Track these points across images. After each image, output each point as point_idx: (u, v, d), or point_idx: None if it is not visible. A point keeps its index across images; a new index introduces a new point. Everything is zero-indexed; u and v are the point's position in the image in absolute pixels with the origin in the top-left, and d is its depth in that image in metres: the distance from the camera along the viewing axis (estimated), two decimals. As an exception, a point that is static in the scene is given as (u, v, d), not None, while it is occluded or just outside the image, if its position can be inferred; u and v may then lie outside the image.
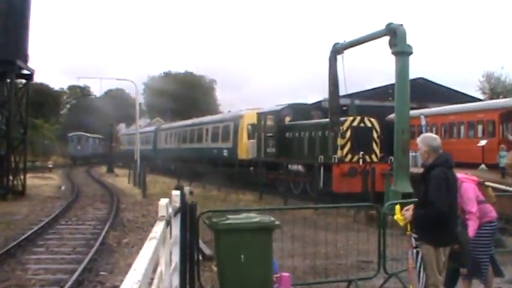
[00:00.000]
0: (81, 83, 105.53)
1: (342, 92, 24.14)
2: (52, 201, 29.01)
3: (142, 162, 43.21)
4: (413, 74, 22.66)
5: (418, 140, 7.58)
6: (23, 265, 13.36)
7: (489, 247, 8.70)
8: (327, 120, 25.58)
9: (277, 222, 8.28)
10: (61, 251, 15.17)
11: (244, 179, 34.08)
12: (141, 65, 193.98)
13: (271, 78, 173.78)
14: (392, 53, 19.86)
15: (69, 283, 11.02)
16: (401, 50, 19.68)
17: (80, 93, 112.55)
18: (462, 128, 35.78)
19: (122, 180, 47.92)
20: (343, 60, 23.31)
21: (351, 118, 26.37)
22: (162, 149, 59.66)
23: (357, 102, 30.00)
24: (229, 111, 51.36)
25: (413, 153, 24.93)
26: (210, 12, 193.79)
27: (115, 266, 13.24)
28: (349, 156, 25.60)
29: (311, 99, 55.20)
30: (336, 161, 25.07)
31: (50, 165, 61.95)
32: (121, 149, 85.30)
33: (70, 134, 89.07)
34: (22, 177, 32.35)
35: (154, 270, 5.36)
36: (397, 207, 7.69)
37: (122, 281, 3.21)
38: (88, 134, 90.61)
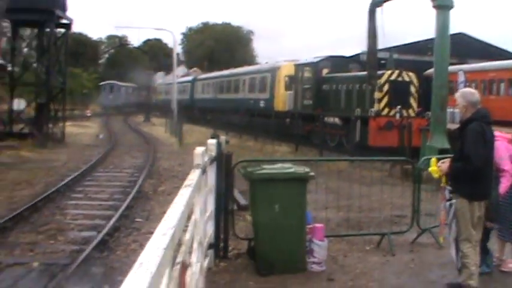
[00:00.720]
0: (119, 33, 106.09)
1: (380, 46, 23.81)
2: (90, 149, 29.46)
3: (179, 111, 43.42)
4: (453, 29, 22.23)
5: (457, 94, 7.52)
6: (61, 210, 13.70)
7: None
8: (365, 73, 25.31)
9: (311, 173, 8.31)
10: (98, 198, 15.48)
11: (280, 130, 34.04)
12: (180, 15, 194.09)
13: (308, 31, 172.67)
14: (433, 6, 19.46)
15: (106, 229, 11.30)
16: (442, 4, 19.27)
17: (118, 42, 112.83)
18: (502, 85, 35.11)
19: (158, 129, 48.33)
20: (383, 13, 23.00)
21: (389, 72, 26.05)
22: (199, 99, 59.72)
23: (395, 56, 29.55)
24: (266, 63, 51.09)
25: (451, 109, 24.61)
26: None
27: (151, 213, 13.47)
28: (386, 110, 25.38)
29: (349, 52, 54.66)
30: (373, 114, 24.90)
31: (88, 114, 62.69)
32: (158, 99, 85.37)
33: (102, 83, 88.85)
34: (61, 125, 32.85)
35: (189, 218, 5.46)
36: (433, 159, 7.68)
37: (157, 227, 3.30)
38: (120, 83, 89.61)
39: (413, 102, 26.09)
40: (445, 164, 7.34)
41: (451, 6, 19.33)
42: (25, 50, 41.17)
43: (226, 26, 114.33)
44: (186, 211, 4.22)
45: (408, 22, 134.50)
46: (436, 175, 7.49)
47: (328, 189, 12.24)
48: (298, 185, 8.20)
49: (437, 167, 7.42)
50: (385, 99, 25.42)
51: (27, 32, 48.17)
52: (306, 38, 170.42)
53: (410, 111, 25.73)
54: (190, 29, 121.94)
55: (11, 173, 19.64)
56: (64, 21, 32.82)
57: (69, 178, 17.87)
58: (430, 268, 8.83)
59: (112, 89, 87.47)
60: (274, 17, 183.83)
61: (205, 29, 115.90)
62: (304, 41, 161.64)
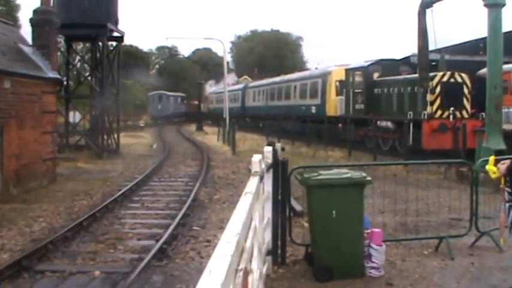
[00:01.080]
0: (169, 44, 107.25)
1: (431, 47, 23.64)
2: (144, 159, 29.84)
3: (231, 120, 43.66)
4: (506, 27, 21.82)
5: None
6: (120, 220, 13.95)
7: None
8: (416, 75, 25.12)
9: (368, 178, 8.30)
10: (155, 207, 15.69)
11: (332, 135, 34.02)
12: (228, 24, 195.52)
13: (357, 34, 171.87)
14: (484, 5, 19.20)
15: (164, 237, 11.44)
16: (493, 2, 18.98)
17: (168, 53, 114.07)
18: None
19: (211, 138, 48.62)
20: (433, 14, 22.82)
21: (441, 73, 25.76)
22: (250, 107, 59.99)
23: (446, 57, 29.09)
24: (316, 68, 51.03)
25: (506, 109, 24.19)
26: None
27: (207, 221, 13.58)
28: (439, 112, 25.11)
29: (399, 55, 54.08)
30: (426, 117, 24.67)
31: (142, 125, 63.43)
32: (209, 107, 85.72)
33: (150, 93, 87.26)
34: (116, 136, 33.37)
35: (249, 225, 5.52)
36: (492, 157, 7.58)
37: (214, 235, 3.38)
38: (168, 93, 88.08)
39: (467, 104, 25.74)
40: (504, 165, 7.23)
41: (503, 4, 19.03)
42: (78, 63, 41.92)
43: (275, 33, 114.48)
44: (248, 218, 4.29)
45: (459, 22, 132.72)
46: (493, 175, 7.39)
47: (384, 194, 12.18)
48: (355, 190, 8.20)
49: (496, 168, 7.32)
50: (438, 101, 25.15)
51: (80, 45, 49.18)
52: (355, 42, 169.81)
53: (464, 112, 25.40)
54: (239, 37, 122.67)
55: (69, 184, 20.08)
56: (116, 34, 33.40)
57: (126, 188, 18.15)
58: (490, 272, 8.73)
59: (160, 99, 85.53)
60: (323, 22, 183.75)
61: (254, 37, 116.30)
62: (353, 45, 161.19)
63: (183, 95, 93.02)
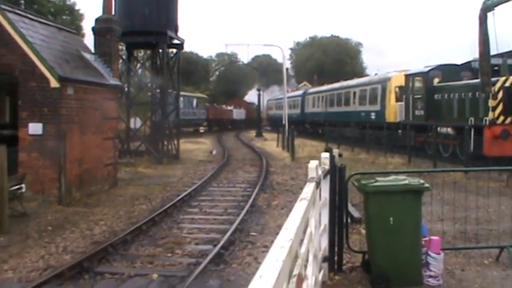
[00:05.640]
0: (228, 51, 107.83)
1: (493, 51, 23.19)
2: (204, 164, 30.06)
3: (291, 126, 43.65)
4: None
5: None
6: (178, 224, 14.11)
7: None
8: (478, 81, 24.67)
9: (426, 185, 8.18)
10: (213, 212, 15.81)
11: (392, 141, 33.73)
12: (287, 30, 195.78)
13: (417, 41, 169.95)
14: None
15: (222, 242, 11.52)
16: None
17: (228, 60, 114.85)
18: None
19: (270, 144, 48.69)
20: (494, 18, 22.41)
21: (503, 78, 25.16)
22: (309, 113, 59.93)
23: (509, 61, 28.47)
24: (376, 74, 50.66)
25: None
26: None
27: (265, 227, 13.62)
28: (502, 118, 24.53)
29: (460, 60, 53.23)
30: (487, 123, 24.15)
31: (202, 131, 63.74)
32: (269, 114, 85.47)
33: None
34: (176, 142, 33.72)
35: (304, 231, 5.52)
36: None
37: (272, 241, 3.37)
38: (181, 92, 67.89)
39: (531, 110, 25.11)
40: None
41: None
42: (139, 70, 42.57)
43: (335, 39, 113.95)
44: (303, 224, 4.29)
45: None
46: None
47: (443, 201, 11.99)
48: (413, 197, 8.09)
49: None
50: (500, 107, 24.59)
51: (141, 53, 49.96)
52: (415, 49, 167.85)
53: (528, 118, 24.78)
54: (298, 44, 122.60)
55: (129, 189, 20.41)
56: (176, 41, 33.78)
57: (185, 193, 18.34)
58: (554, 282, 8.51)
59: None
60: (382, 28, 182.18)
61: (314, 43, 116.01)
62: (413, 52, 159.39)
63: (202, 96, 77.54)
